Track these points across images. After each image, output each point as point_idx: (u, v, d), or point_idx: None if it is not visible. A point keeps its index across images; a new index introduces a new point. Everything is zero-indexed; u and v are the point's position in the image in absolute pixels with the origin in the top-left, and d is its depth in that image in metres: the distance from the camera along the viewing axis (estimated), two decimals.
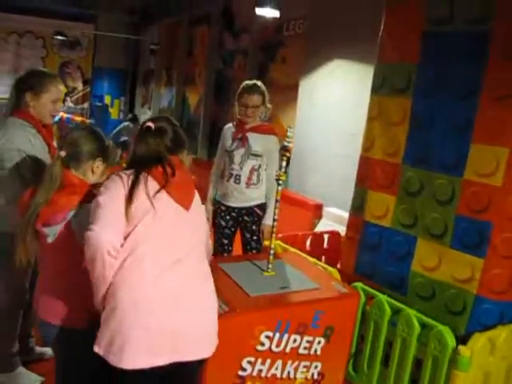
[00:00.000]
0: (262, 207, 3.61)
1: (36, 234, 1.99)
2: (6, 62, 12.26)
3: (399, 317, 2.74)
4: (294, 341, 2.49)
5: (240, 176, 3.50)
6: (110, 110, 13.86)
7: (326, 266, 3.27)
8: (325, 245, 4.31)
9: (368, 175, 3.27)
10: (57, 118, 11.42)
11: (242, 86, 3.49)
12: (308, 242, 4.18)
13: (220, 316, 2.30)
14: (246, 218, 3.59)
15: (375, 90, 3.23)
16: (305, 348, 2.53)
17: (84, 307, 1.96)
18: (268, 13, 5.55)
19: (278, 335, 2.42)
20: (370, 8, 4.28)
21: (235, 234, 3.74)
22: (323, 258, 4.21)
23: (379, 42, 3.21)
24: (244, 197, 3.56)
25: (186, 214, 1.96)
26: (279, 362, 2.48)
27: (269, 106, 3.56)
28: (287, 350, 2.48)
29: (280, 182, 2.73)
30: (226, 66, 9.34)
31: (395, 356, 2.75)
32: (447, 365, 2.46)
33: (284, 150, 2.67)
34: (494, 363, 2.60)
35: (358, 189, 3.38)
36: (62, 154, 2.01)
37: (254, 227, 3.61)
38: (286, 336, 2.45)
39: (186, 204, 1.96)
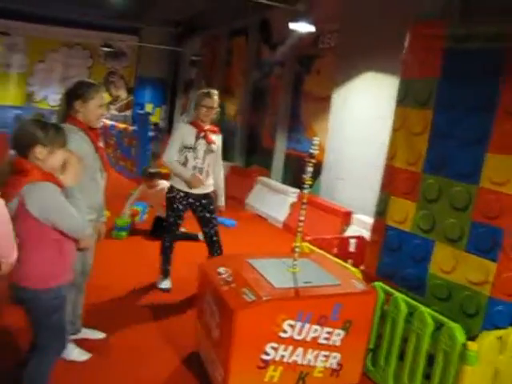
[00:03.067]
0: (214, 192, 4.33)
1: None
2: (56, 71, 12.99)
3: (414, 314, 2.93)
4: (315, 331, 2.72)
5: (202, 168, 4.11)
6: (152, 117, 14.43)
7: (348, 266, 3.49)
8: (351, 249, 4.53)
9: (391, 182, 3.48)
10: (100, 124, 11.98)
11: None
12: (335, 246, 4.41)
13: (247, 304, 2.59)
14: (203, 200, 4.17)
15: (399, 102, 3.45)
16: (325, 338, 2.76)
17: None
18: (302, 27, 5.80)
19: (299, 324, 2.66)
20: (398, 23, 4.49)
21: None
22: (349, 261, 4.43)
23: (402, 58, 3.43)
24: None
25: None
26: (300, 350, 2.72)
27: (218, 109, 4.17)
28: (308, 338, 2.71)
29: (306, 186, 2.97)
30: (263, 77, 9.66)
31: (410, 351, 2.93)
32: (457, 360, 2.63)
33: (310, 157, 2.91)
34: (505, 361, 2.75)
35: (382, 194, 3.59)
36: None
37: (211, 207, 4.24)
38: (307, 326, 2.69)
39: None
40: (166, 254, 4.31)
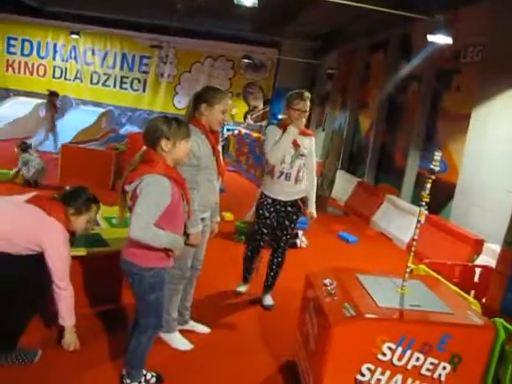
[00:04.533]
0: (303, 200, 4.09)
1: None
2: (201, 81, 13.96)
3: None
4: (417, 359, 2.52)
5: (290, 174, 3.91)
6: None
7: (466, 296, 3.19)
8: (475, 279, 4.14)
9: None
10: (236, 131, 12.66)
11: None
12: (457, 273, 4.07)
13: (346, 319, 2.49)
14: (289, 208, 4.01)
15: None
16: (428, 370, 2.55)
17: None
18: (440, 39, 5.50)
19: (400, 349, 2.49)
20: None
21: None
22: (472, 292, 4.05)
23: None
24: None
25: None
26: (399, 377, 2.54)
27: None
28: (409, 366, 2.53)
29: (423, 203, 2.78)
30: (399, 93, 9.33)
31: None
32: None
33: (430, 173, 2.73)
34: None
35: None
36: None
37: (294, 216, 4.05)
38: (408, 352, 2.50)
39: None
40: (247, 262, 4.26)
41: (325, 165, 9.55)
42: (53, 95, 10.85)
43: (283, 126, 3.91)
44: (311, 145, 4.03)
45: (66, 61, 15.07)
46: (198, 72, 14.29)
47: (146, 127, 2.63)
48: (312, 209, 4.12)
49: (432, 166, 2.71)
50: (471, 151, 6.22)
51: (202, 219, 3.21)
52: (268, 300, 4.18)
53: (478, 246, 5.60)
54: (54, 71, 15.13)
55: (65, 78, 15.14)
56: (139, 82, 14.93)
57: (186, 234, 3.03)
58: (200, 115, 3.09)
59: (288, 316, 3.76)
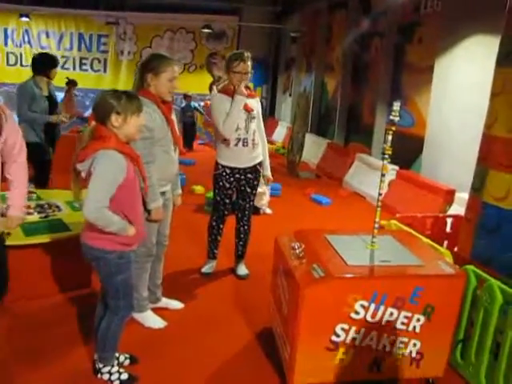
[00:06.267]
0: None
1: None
2: None
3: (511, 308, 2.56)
4: (391, 314, 2.49)
5: (247, 138, 3.76)
6: None
7: (438, 246, 3.16)
8: (447, 229, 4.14)
9: (489, 154, 3.08)
10: (202, 104, 12.43)
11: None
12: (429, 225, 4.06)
13: (315, 281, 2.43)
14: (249, 175, 3.89)
15: (500, 62, 3.02)
16: (402, 323, 2.52)
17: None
18: None
19: (373, 306, 2.45)
20: None
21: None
22: (445, 242, 4.05)
23: (507, 11, 2.98)
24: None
25: None
26: (374, 333, 2.51)
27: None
28: (383, 322, 2.49)
29: (386, 156, 2.71)
30: (362, 51, 9.21)
31: (506, 349, 2.57)
32: None
33: (390, 125, 2.65)
34: None
35: (479, 168, 3.20)
36: None
37: (255, 182, 3.95)
38: (382, 308, 2.46)
39: None
40: (212, 235, 4.04)
41: (293, 129, 9.45)
42: (70, 83, 10.77)
43: (228, 92, 3.73)
44: (258, 106, 3.90)
45: (20, 46, 14.38)
46: (158, 46, 13.81)
47: (95, 102, 2.50)
48: (267, 171, 4.02)
49: (391, 117, 2.62)
50: (436, 102, 6.17)
51: (163, 193, 3.09)
52: (242, 270, 4.12)
53: (449, 196, 5.63)
54: (7, 58, 14.47)
55: (21, 65, 14.45)
56: (99, 62, 14.36)
57: (148, 210, 2.93)
58: (148, 86, 2.94)
59: (263, 282, 3.70)
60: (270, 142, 12.06)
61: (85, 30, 14.19)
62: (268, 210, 6.12)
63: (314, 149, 10.03)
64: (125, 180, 2.37)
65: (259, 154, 3.91)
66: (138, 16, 13.59)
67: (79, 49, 14.37)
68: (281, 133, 12.84)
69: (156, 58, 3.00)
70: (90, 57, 14.40)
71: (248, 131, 3.76)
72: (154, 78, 2.93)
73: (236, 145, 3.76)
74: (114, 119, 2.38)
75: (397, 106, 2.62)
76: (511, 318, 2.52)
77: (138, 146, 2.66)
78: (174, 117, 3.08)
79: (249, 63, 3.68)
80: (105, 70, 14.47)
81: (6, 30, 14.27)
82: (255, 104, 3.85)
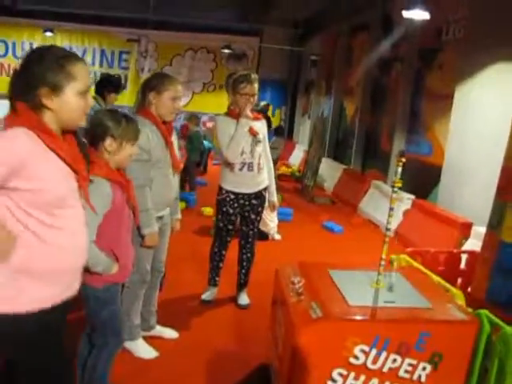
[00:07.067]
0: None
1: None
2: (182, 74, 13.63)
3: None
4: (394, 361, 2.28)
5: (252, 163, 3.60)
6: (272, 118, 14.41)
7: (450, 286, 2.94)
8: (462, 265, 3.91)
9: (509, 187, 2.88)
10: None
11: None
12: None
13: (312, 321, 2.25)
14: (253, 201, 3.74)
15: None
16: (406, 371, 2.31)
17: None
18: (417, 15, 5.23)
19: (374, 351, 2.25)
20: None
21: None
22: (459, 280, 3.82)
23: None
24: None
25: None
26: (375, 381, 2.30)
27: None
28: (385, 369, 2.28)
29: (395, 189, 2.54)
30: (382, 75, 9.07)
31: None
32: None
33: (400, 156, 2.48)
34: None
35: (497, 202, 3.00)
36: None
37: (259, 209, 3.80)
38: (384, 354, 2.26)
39: None
40: (214, 261, 3.87)
41: (309, 153, 9.31)
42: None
43: (233, 115, 3.60)
44: (264, 129, 3.77)
45: None
46: (179, 65, 13.95)
47: (90, 121, 2.26)
48: (273, 197, 3.88)
49: (404, 148, 2.46)
50: (456, 131, 5.98)
51: (160, 217, 2.96)
52: (243, 299, 3.94)
53: (465, 229, 5.38)
54: None
55: None
56: None
57: (142, 236, 2.80)
58: (149, 104, 2.84)
59: (264, 313, 3.45)
60: (286, 165, 11.96)
61: (107, 46, 14.43)
62: (277, 236, 5.94)
63: (330, 174, 9.84)
64: (110, 210, 2.20)
65: (264, 178, 3.76)
66: (159, 34, 13.75)
67: (101, 64, 14.60)
68: (298, 156, 12.68)
69: (159, 77, 2.92)
70: (112, 73, 14.58)
71: (253, 155, 3.63)
72: (157, 96, 2.83)
73: (241, 169, 3.62)
74: (109, 144, 2.23)
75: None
76: None
77: (133, 169, 2.53)
78: (174, 138, 2.96)
79: (255, 85, 3.57)
80: (125, 87, 14.62)
81: (31, 45, 14.58)
82: (261, 127, 3.72)
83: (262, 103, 10.47)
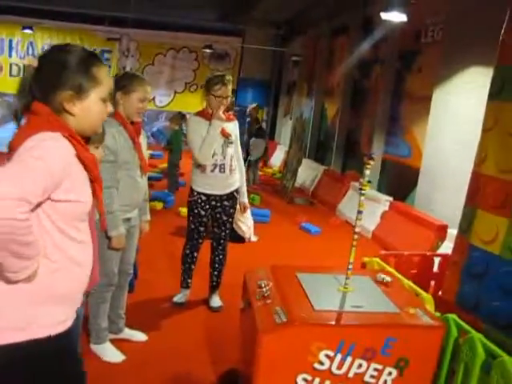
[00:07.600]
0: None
1: None
2: (164, 73, 13.52)
3: (494, 364, 2.31)
4: (359, 366, 2.25)
5: (224, 164, 3.57)
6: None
7: (420, 291, 2.94)
8: (435, 269, 3.91)
9: (478, 193, 2.87)
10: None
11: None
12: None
13: (276, 326, 2.21)
14: (225, 202, 3.69)
15: (492, 96, 2.83)
16: (372, 376, 2.28)
17: None
18: (395, 17, 5.24)
19: (339, 356, 2.22)
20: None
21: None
22: (432, 283, 3.83)
23: (501, 40, 2.81)
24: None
25: None
26: None
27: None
28: (350, 374, 2.26)
29: (363, 191, 2.51)
30: (363, 77, 9.09)
31: None
32: None
33: (368, 158, 2.46)
34: None
35: (467, 208, 2.99)
36: None
37: (231, 210, 3.75)
38: (349, 359, 2.23)
39: None
40: (186, 263, 3.80)
41: (288, 154, 9.28)
42: None
43: (206, 116, 3.55)
44: (236, 130, 3.71)
45: (24, 58, 14.46)
46: (161, 64, 13.84)
47: None
48: (244, 198, 3.83)
49: (372, 152, 2.43)
50: (432, 134, 6.00)
51: (128, 219, 2.89)
52: (215, 301, 3.88)
53: (441, 232, 5.40)
54: (10, 69, 14.51)
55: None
56: None
57: (108, 238, 2.73)
58: (117, 105, 2.77)
59: (236, 316, 3.40)
60: (267, 166, 11.92)
61: (88, 44, 14.22)
62: (253, 238, 5.89)
63: (310, 175, 9.83)
64: None
65: (236, 180, 3.71)
66: (140, 33, 13.63)
67: None
68: (279, 157, 12.67)
69: (128, 77, 2.87)
70: None
71: (225, 157, 3.58)
72: (124, 96, 2.77)
73: (212, 171, 3.57)
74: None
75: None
76: (494, 375, 2.28)
77: (101, 170, 2.46)
78: (142, 139, 2.90)
79: (229, 87, 3.52)
80: None
81: (11, 42, 14.35)
82: (233, 128, 3.67)
83: (251, 106, 10.35)
